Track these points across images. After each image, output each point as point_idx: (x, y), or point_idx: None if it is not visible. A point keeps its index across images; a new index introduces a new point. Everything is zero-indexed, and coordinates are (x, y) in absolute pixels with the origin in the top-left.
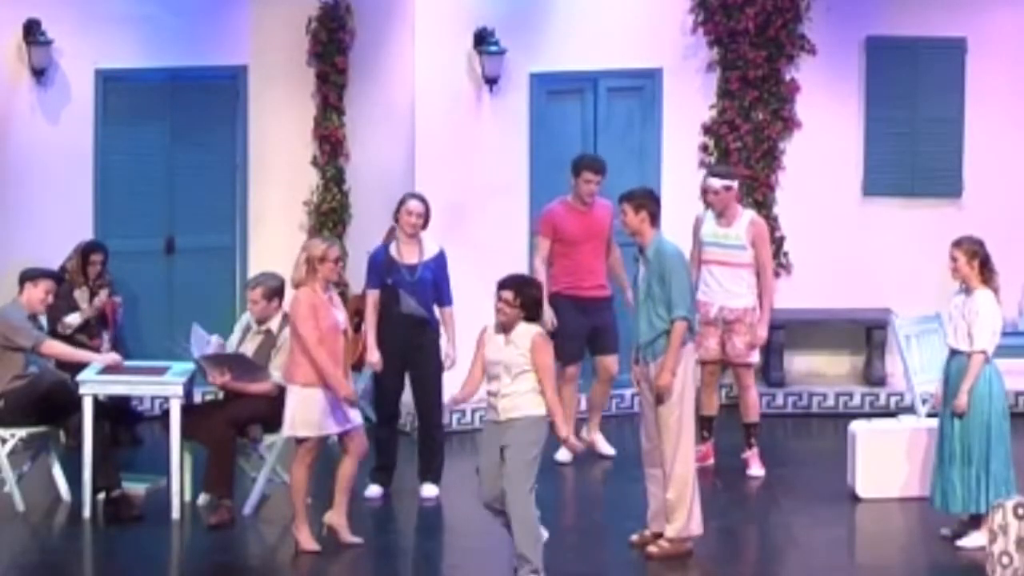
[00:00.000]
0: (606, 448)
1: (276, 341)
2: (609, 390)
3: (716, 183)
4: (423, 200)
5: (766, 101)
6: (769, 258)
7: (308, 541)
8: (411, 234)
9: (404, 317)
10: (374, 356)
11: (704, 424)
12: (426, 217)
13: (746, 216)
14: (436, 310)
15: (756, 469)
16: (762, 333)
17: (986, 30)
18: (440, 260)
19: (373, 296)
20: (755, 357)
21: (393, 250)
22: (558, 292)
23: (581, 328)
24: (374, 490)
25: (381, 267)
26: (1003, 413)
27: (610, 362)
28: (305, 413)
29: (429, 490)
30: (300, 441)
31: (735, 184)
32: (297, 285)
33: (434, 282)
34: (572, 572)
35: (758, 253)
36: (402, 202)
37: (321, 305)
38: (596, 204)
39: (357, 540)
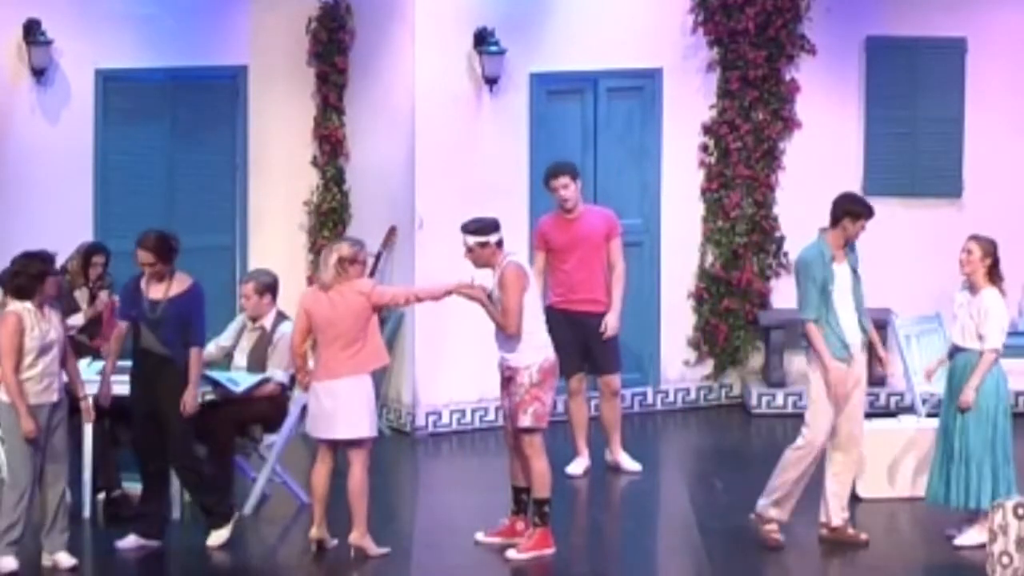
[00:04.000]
0: (631, 465)
1: (272, 338)
2: (617, 405)
3: (470, 240)
4: (157, 235)
5: (766, 101)
6: (512, 305)
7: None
8: (147, 273)
9: (145, 353)
10: (107, 395)
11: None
12: (158, 252)
13: (499, 268)
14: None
15: (515, 552)
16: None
17: (986, 30)
18: (191, 297)
19: (119, 328)
20: (526, 422)
21: (143, 282)
22: (551, 305)
23: (570, 342)
24: (130, 540)
25: (127, 298)
26: (1007, 412)
27: (610, 379)
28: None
29: (214, 539)
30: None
31: (491, 239)
32: (327, 287)
33: (180, 319)
34: (575, 572)
35: (503, 301)
36: None
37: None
38: (588, 212)
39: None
